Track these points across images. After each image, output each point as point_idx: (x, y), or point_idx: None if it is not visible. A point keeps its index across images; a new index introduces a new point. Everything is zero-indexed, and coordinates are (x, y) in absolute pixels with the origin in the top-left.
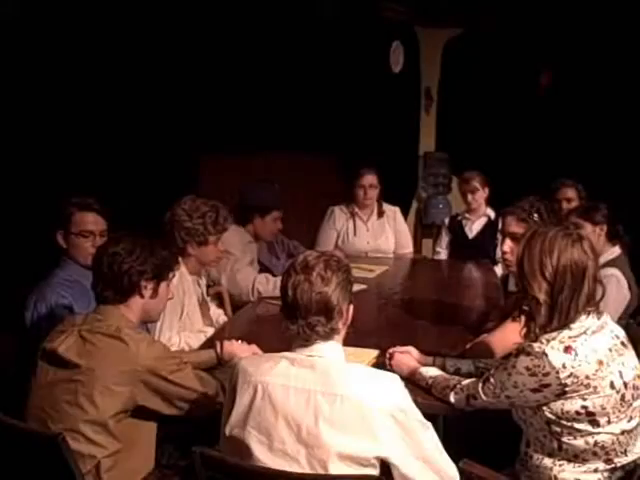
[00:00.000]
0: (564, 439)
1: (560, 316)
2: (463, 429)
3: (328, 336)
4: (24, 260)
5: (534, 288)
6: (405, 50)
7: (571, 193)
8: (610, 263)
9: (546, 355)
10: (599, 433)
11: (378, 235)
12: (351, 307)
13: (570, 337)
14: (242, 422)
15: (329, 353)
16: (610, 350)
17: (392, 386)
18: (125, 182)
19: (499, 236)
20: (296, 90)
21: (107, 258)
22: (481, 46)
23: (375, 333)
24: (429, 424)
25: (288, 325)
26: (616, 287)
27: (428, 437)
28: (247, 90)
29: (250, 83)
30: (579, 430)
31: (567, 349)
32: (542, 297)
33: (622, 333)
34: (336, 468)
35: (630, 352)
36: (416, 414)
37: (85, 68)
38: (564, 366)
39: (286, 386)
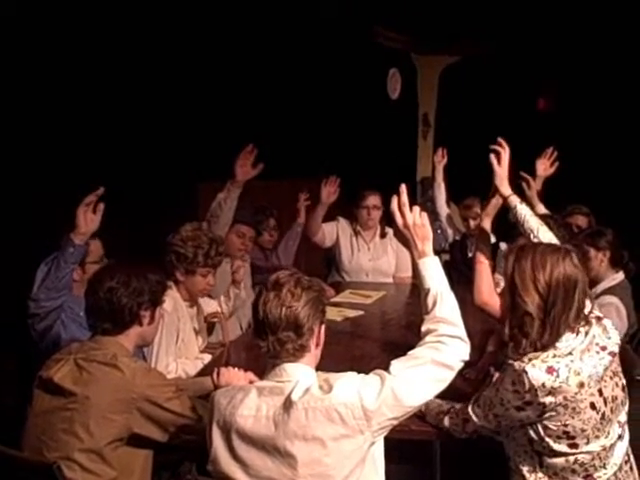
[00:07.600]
0: (544, 458)
1: (552, 330)
2: (459, 452)
3: (298, 354)
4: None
5: (527, 302)
6: (402, 77)
7: (581, 221)
8: (610, 290)
9: (526, 373)
10: (579, 452)
11: (380, 255)
12: (323, 327)
13: (555, 356)
14: (221, 457)
15: (299, 377)
16: (594, 367)
17: (349, 383)
18: (124, 208)
19: (498, 261)
20: (295, 117)
21: (104, 294)
22: (478, 72)
23: (372, 359)
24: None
25: (259, 343)
26: (616, 316)
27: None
28: (246, 117)
29: (249, 110)
30: (558, 450)
31: (549, 369)
32: (535, 311)
33: (612, 341)
34: None
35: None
36: (379, 404)
37: (85, 91)
38: (543, 385)
39: (257, 417)
